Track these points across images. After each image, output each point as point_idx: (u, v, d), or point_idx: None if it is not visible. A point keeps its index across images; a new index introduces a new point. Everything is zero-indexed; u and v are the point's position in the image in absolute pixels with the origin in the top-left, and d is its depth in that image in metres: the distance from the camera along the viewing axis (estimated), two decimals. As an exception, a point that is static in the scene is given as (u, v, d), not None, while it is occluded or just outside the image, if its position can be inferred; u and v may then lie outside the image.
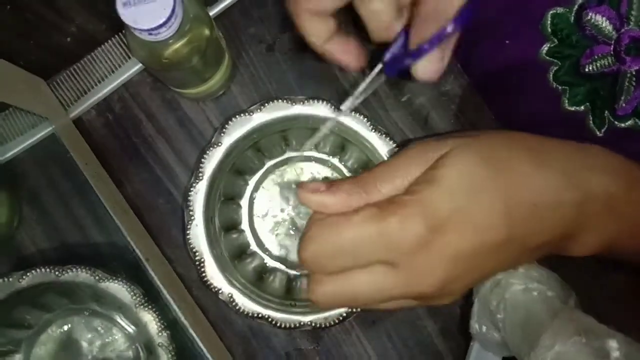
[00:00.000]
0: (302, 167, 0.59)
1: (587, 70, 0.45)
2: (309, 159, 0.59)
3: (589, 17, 0.43)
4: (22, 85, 0.56)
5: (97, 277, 0.52)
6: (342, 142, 0.58)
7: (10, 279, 0.52)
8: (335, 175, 0.59)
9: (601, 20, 0.42)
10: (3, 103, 0.51)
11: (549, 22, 0.46)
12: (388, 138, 0.55)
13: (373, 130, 0.55)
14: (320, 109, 0.55)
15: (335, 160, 0.59)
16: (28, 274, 0.52)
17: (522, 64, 0.50)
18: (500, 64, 0.53)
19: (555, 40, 0.46)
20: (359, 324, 0.60)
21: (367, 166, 0.57)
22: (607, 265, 0.61)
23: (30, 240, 0.60)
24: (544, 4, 0.46)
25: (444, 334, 0.60)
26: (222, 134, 0.55)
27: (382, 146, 0.55)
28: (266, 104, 0.55)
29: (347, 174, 0.59)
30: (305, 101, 0.55)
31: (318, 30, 0.41)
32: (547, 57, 0.48)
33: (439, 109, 0.61)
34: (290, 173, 0.59)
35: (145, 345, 0.56)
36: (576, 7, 0.44)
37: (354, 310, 0.54)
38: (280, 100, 0.55)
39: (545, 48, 0.47)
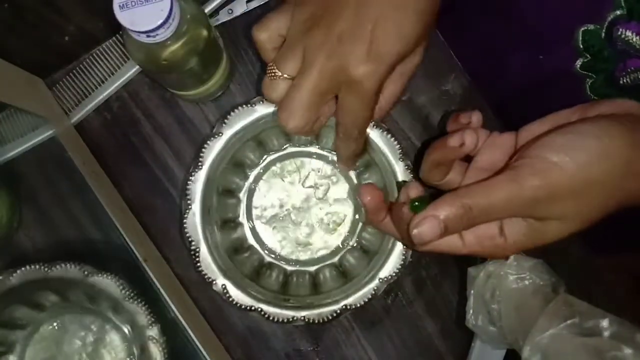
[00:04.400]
0: (303, 162, 0.59)
1: (621, 82, 0.45)
2: (310, 154, 0.59)
3: (619, 33, 0.43)
4: (20, 84, 0.55)
5: (85, 272, 0.52)
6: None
7: (1, 277, 0.52)
8: (335, 171, 0.59)
9: (631, 36, 0.43)
10: (1, 103, 0.50)
11: (580, 38, 0.47)
12: (389, 135, 0.54)
13: (374, 127, 0.55)
14: None
15: (336, 156, 0.59)
16: (18, 270, 0.52)
17: (557, 78, 0.51)
18: (533, 78, 0.54)
19: (588, 56, 0.47)
20: (358, 325, 0.60)
21: (368, 162, 0.57)
22: (604, 264, 0.62)
23: (29, 241, 0.60)
24: (575, 21, 0.47)
25: (444, 334, 0.60)
26: (224, 125, 0.54)
27: (383, 143, 0.55)
28: None
29: None
30: None
31: None
32: (582, 71, 0.48)
33: (440, 109, 0.60)
34: (290, 167, 0.59)
35: (137, 339, 0.56)
36: (606, 23, 0.45)
37: (348, 307, 0.54)
38: None
39: (579, 63, 0.48)
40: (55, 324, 0.58)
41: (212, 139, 0.54)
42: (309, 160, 0.59)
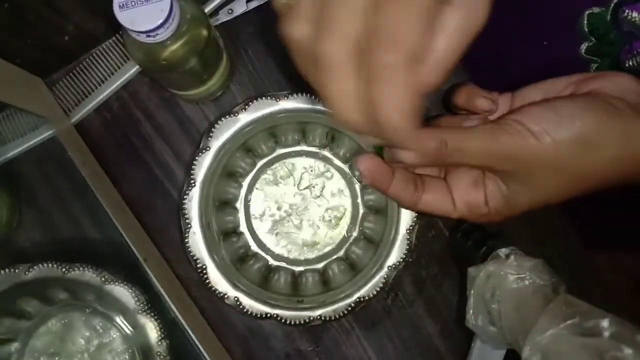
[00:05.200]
0: (294, 163, 0.59)
1: (627, 65, 0.45)
2: (299, 153, 0.59)
3: (625, 14, 0.43)
4: (20, 84, 0.55)
5: (103, 279, 0.52)
6: (332, 133, 0.57)
7: (16, 271, 0.52)
8: (328, 166, 0.59)
9: (638, 17, 0.42)
10: (1, 102, 0.50)
11: (585, 22, 0.46)
12: None
13: None
14: (304, 102, 0.55)
15: (325, 152, 0.59)
16: (35, 267, 0.52)
17: (561, 64, 0.50)
18: (537, 66, 0.53)
19: (593, 39, 0.47)
20: (359, 325, 0.60)
21: (356, 150, 0.57)
22: (604, 264, 0.62)
23: (29, 240, 0.60)
24: (580, 4, 0.46)
25: (444, 334, 0.60)
26: (210, 138, 0.54)
27: None
28: (250, 103, 0.55)
29: (340, 164, 0.59)
30: (289, 95, 0.55)
31: None
32: (587, 56, 0.48)
33: (440, 108, 0.60)
34: (282, 170, 0.59)
35: (142, 351, 0.56)
36: (612, 5, 0.44)
37: (362, 299, 0.54)
38: (264, 98, 0.55)
39: (584, 47, 0.48)
40: (62, 320, 0.58)
41: (200, 154, 0.54)
42: (299, 160, 0.59)
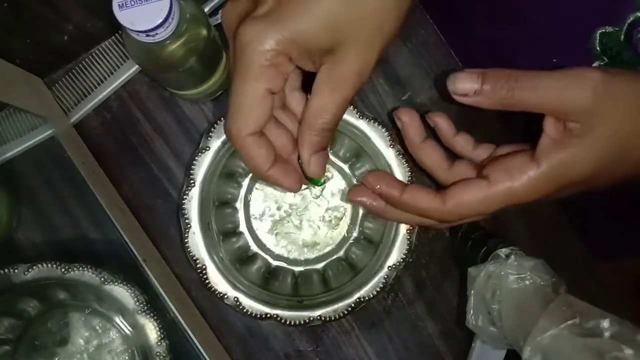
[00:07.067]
0: None
1: None
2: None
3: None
4: (19, 84, 0.55)
5: (102, 279, 0.52)
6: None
7: (16, 271, 0.52)
8: (328, 166, 0.58)
9: None
10: (0, 102, 0.50)
11: (597, 41, 0.46)
12: (377, 123, 0.54)
13: (361, 118, 0.54)
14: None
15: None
16: (34, 267, 0.52)
17: None
18: None
19: (605, 59, 0.46)
20: (359, 325, 0.60)
21: (359, 154, 0.57)
22: (605, 265, 0.62)
23: (28, 241, 0.60)
24: (591, 23, 0.46)
25: (444, 335, 0.60)
26: (210, 138, 0.54)
27: (371, 131, 0.55)
28: None
29: (340, 163, 0.59)
30: None
31: (262, 157, 0.41)
32: None
33: (440, 108, 0.60)
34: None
35: (142, 351, 0.56)
36: (626, 25, 0.44)
37: (362, 299, 0.54)
38: None
39: (595, 66, 0.47)
40: (61, 320, 0.58)
41: (199, 154, 0.54)
42: None
